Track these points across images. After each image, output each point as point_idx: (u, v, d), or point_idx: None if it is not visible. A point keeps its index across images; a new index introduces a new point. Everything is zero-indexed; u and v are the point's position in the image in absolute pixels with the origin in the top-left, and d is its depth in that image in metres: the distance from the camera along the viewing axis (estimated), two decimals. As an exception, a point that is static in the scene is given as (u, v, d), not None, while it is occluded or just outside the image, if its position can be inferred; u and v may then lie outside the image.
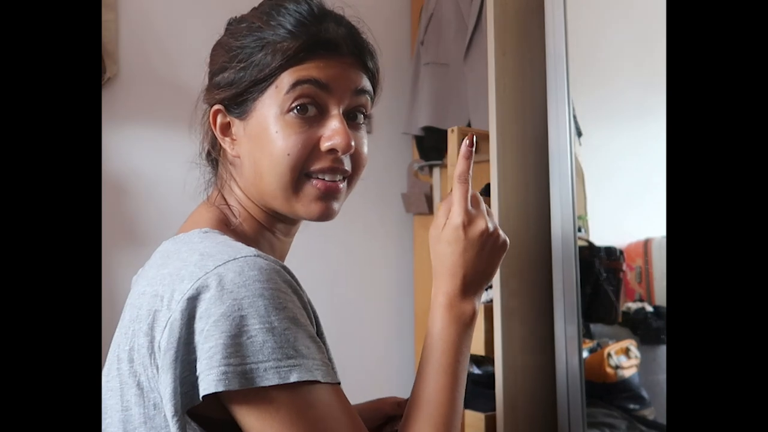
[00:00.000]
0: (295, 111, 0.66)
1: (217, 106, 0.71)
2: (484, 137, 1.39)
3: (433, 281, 0.68)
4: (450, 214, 0.67)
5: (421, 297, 2.20)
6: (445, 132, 1.44)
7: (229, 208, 0.71)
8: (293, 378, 0.54)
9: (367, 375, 1.97)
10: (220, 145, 0.73)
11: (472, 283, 0.67)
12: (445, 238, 0.66)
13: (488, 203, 1.27)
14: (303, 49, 0.66)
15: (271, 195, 0.68)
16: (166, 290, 0.58)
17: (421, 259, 2.21)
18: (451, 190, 0.67)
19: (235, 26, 0.72)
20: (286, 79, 0.66)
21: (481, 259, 0.66)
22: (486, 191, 1.30)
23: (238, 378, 0.53)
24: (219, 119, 0.71)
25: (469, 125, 1.86)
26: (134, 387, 0.58)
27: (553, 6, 1.20)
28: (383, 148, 2.20)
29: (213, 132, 0.72)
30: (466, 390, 1.34)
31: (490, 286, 1.29)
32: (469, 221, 0.66)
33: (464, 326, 0.66)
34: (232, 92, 0.68)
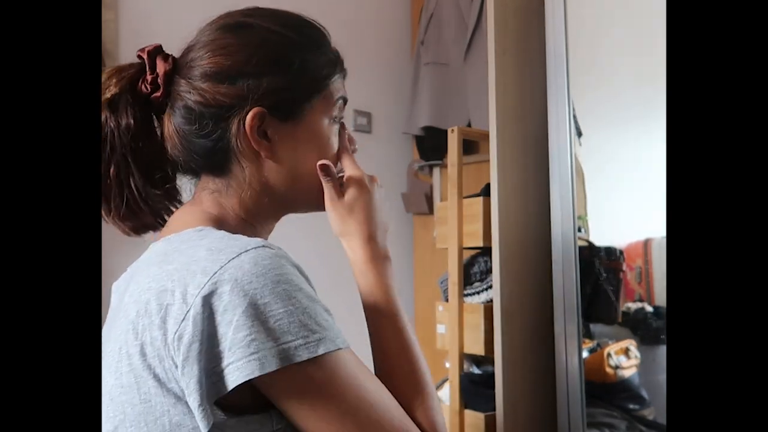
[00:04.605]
0: (336, 121, 0.76)
1: (258, 109, 0.69)
2: (484, 137, 1.39)
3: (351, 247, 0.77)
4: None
5: (421, 297, 2.20)
6: (445, 132, 1.44)
7: (228, 209, 0.73)
8: (321, 350, 0.59)
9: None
10: (245, 146, 0.70)
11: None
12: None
13: (488, 203, 1.27)
14: (341, 67, 0.76)
15: (306, 193, 0.75)
16: (177, 285, 0.60)
17: (421, 259, 2.21)
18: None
19: (259, 28, 0.72)
20: (332, 90, 0.74)
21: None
22: (486, 191, 1.30)
23: (275, 360, 0.57)
24: (256, 122, 0.70)
25: (469, 125, 1.86)
26: (151, 379, 0.60)
27: (553, 6, 1.20)
28: (383, 148, 2.21)
29: (245, 133, 0.70)
30: (466, 390, 1.34)
31: (485, 285, 1.29)
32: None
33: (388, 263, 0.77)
34: (283, 96, 0.71)
